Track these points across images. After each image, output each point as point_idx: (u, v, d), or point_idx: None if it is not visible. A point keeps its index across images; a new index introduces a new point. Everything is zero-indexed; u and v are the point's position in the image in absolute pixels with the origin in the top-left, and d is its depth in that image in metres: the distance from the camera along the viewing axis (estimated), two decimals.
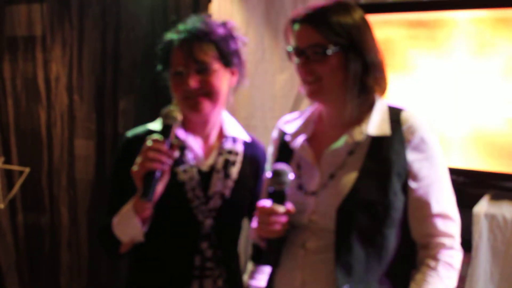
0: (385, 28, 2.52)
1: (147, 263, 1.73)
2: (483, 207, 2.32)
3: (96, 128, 3.24)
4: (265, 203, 1.48)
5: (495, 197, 2.37)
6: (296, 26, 1.54)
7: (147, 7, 3.01)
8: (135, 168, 1.52)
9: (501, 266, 2.28)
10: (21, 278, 3.41)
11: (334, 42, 1.48)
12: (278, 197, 1.47)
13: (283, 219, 1.47)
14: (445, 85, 2.43)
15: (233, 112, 2.74)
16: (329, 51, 1.48)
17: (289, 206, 1.48)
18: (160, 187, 1.54)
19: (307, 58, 1.51)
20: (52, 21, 3.24)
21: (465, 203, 2.44)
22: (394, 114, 1.54)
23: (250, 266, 1.97)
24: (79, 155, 3.28)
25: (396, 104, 1.60)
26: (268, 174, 1.49)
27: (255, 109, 2.78)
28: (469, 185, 2.46)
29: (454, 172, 2.44)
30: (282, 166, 1.48)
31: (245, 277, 1.95)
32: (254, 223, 1.53)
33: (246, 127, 2.72)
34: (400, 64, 2.51)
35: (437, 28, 2.43)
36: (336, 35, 1.48)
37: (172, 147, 1.54)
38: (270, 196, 1.48)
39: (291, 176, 1.47)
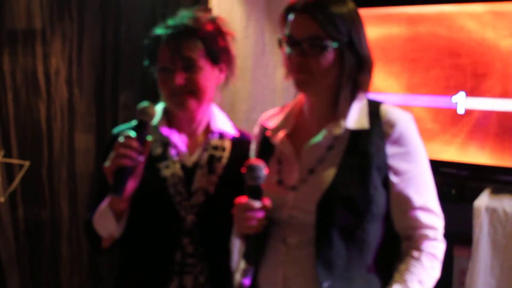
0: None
1: (131, 259, 1.73)
2: (483, 201, 2.32)
3: (96, 121, 3.24)
4: (241, 199, 1.47)
5: (496, 191, 2.37)
6: (292, 15, 1.49)
7: (147, 0, 3.00)
8: (106, 163, 1.52)
9: (502, 260, 2.28)
10: (22, 271, 3.41)
11: (333, 37, 1.44)
12: (254, 192, 1.46)
13: (260, 214, 1.45)
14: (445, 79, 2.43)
15: (233, 106, 2.75)
16: (329, 47, 1.44)
17: (266, 201, 1.47)
18: (132, 184, 1.54)
19: (302, 50, 1.46)
20: (51, 14, 3.23)
21: (466, 197, 2.45)
22: (373, 108, 1.52)
23: (242, 264, 1.96)
24: (79, 149, 3.28)
25: (376, 97, 1.58)
26: (243, 169, 1.47)
27: (255, 102, 2.78)
28: (470, 179, 2.46)
29: (455, 166, 2.46)
30: (255, 161, 1.48)
31: (237, 276, 1.94)
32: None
33: (247, 121, 2.73)
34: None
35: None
36: (336, 29, 1.44)
37: (145, 143, 1.53)
38: (246, 191, 1.47)
39: (265, 171, 1.46)
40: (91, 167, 3.26)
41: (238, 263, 1.89)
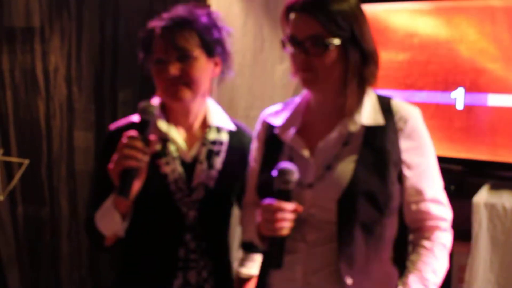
0: None
1: (134, 256, 1.74)
2: (483, 196, 2.32)
3: (96, 119, 3.23)
4: (269, 201, 1.44)
5: (495, 187, 2.37)
6: (293, 14, 1.49)
7: None
8: (111, 165, 1.51)
9: (501, 255, 2.29)
10: (22, 269, 3.42)
11: (335, 35, 1.45)
12: (284, 196, 1.43)
13: (290, 216, 1.43)
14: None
15: (232, 103, 2.75)
16: (331, 45, 1.45)
17: (296, 204, 1.45)
18: (137, 184, 1.53)
19: (305, 49, 1.47)
20: (50, 12, 3.23)
21: (465, 193, 2.45)
22: (385, 103, 1.54)
23: (239, 253, 1.98)
24: (78, 147, 3.28)
25: (384, 93, 1.60)
26: (274, 173, 1.45)
27: (255, 99, 2.78)
28: (469, 175, 2.46)
29: (454, 162, 2.45)
30: (287, 164, 1.45)
31: (235, 265, 1.95)
32: (246, 224, 1.53)
33: (246, 117, 2.73)
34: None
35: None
36: (337, 26, 1.45)
37: (149, 143, 1.52)
38: (275, 195, 1.44)
39: (296, 175, 1.44)
40: (90, 165, 3.26)
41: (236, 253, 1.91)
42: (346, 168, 1.48)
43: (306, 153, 1.55)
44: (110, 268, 3.27)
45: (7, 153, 3.30)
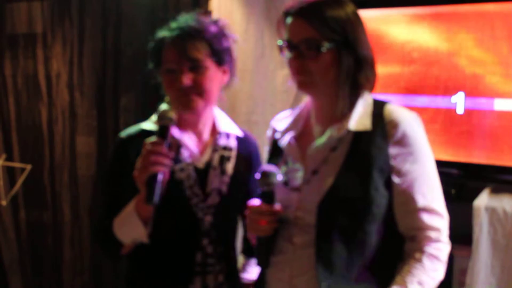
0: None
1: (148, 262, 1.73)
2: (483, 200, 2.33)
3: (97, 125, 3.24)
4: (254, 202, 1.52)
5: (496, 191, 2.37)
6: (289, 19, 1.52)
7: (147, 3, 3.01)
8: (136, 172, 1.52)
9: (502, 259, 2.29)
10: (24, 274, 3.42)
11: (328, 38, 1.47)
12: (266, 197, 1.51)
13: (271, 217, 1.50)
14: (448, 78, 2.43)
15: (233, 108, 2.76)
16: (323, 48, 1.47)
17: (278, 206, 1.52)
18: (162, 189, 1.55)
19: (300, 53, 1.49)
20: (52, 18, 3.25)
21: (466, 197, 2.46)
22: (378, 108, 1.53)
23: (241, 259, 2.00)
24: (80, 152, 3.29)
25: (382, 98, 1.59)
26: (257, 175, 1.52)
27: (256, 104, 2.79)
28: (469, 179, 2.47)
29: (454, 166, 2.46)
30: (269, 167, 1.52)
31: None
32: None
33: (247, 122, 2.75)
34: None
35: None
36: (330, 30, 1.47)
37: (170, 147, 1.55)
38: (259, 196, 1.52)
39: (279, 177, 1.51)
40: (92, 170, 3.27)
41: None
42: (330, 173, 1.49)
43: (298, 157, 1.58)
44: (112, 273, 3.28)
45: (9, 158, 3.31)
